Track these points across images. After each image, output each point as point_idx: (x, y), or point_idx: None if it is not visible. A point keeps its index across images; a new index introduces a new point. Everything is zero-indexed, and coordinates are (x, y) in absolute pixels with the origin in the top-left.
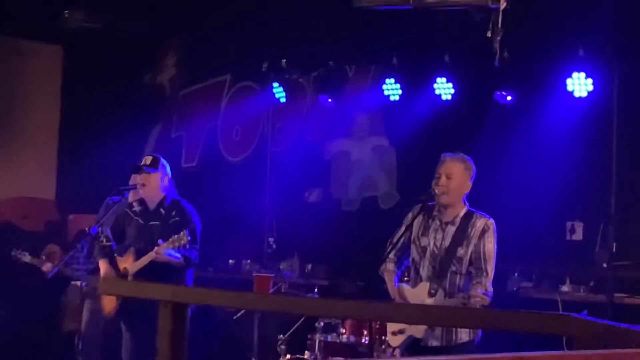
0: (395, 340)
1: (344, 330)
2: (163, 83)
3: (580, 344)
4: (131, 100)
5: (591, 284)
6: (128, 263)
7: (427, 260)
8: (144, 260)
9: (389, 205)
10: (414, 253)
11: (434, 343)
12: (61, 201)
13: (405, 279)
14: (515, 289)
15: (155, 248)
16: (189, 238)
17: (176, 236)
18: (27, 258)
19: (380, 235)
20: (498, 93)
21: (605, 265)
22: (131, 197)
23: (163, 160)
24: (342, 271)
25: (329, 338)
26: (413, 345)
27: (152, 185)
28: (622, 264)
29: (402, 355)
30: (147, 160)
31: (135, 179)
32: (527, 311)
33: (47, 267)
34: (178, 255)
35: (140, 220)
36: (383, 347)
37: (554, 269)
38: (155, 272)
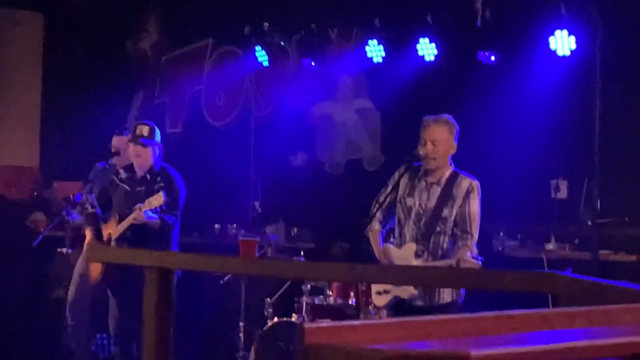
0: (380, 300)
1: (330, 293)
2: (145, 49)
3: (566, 301)
4: (113, 66)
5: (576, 241)
6: (112, 229)
7: (412, 220)
8: (125, 224)
9: (374, 168)
10: (399, 213)
11: (419, 303)
12: (45, 169)
13: (391, 240)
14: (500, 248)
15: (135, 211)
16: (165, 199)
17: (152, 197)
18: None
19: (366, 197)
20: (481, 53)
21: (589, 222)
22: (116, 162)
23: (157, 131)
24: (327, 234)
25: (316, 301)
26: (398, 306)
27: (146, 158)
28: (607, 221)
29: (387, 315)
30: (144, 131)
31: (121, 141)
32: (512, 270)
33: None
34: (155, 216)
35: (127, 187)
36: (369, 308)
37: (539, 227)
38: (138, 237)
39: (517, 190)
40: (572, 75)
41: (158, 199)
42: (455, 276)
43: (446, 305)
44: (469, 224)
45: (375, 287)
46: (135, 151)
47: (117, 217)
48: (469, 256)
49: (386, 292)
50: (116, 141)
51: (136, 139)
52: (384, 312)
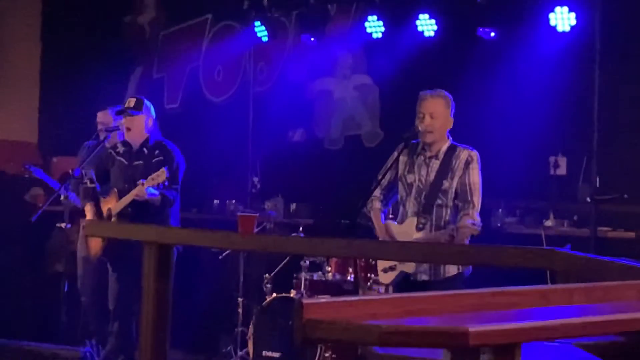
0: (386, 278)
1: (329, 269)
2: (143, 24)
3: (564, 277)
4: (112, 42)
5: (575, 218)
6: (111, 204)
7: (413, 196)
8: (126, 199)
9: (373, 144)
10: (401, 191)
11: (424, 277)
12: (44, 144)
13: (390, 216)
14: (499, 224)
15: (137, 187)
16: (167, 175)
17: (155, 174)
18: None
19: (364, 173)
20: (481, 29)
21: (588, 199)
22: (112, 139)
23: (147, 102)
24: (326, 210)
25: (315, 276)
26: (404, 281)
27: (136, 128)
28: (605, 198)
29: (394, 292)
30: (131, 102)
31: (104, 116)
32: (510, 246)
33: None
34: (156, 192)
35: (124, 161)
36: (368, 284)
37: (538, 204)
38: (138, 212)
39: (516, 166)
40: (572, 51)
41: (161, 176)
42: (454, 252)
43: (451, 278)
44: (469, 194)
45: (380, 265)
46: (125, 122)
47: (117, 191)
48: (468, 223)
49: (392, 268)
50: (100, 116)
51: (124, 110)
52: (391, 289)
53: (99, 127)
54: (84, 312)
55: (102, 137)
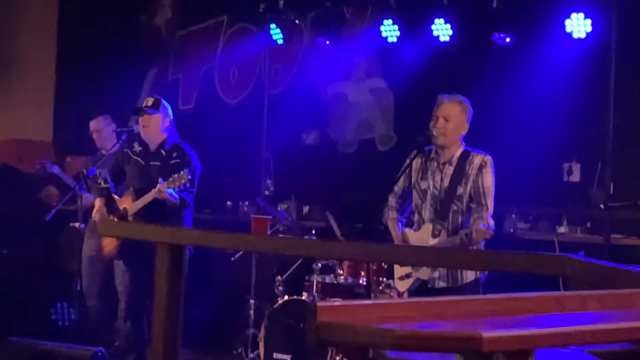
0: (402, 285)
1: (341, 272)
2: (159, 25)
3: (577, 284)
4: (127, 42)
5: (588, 224)
6: (127, 203)
7: (429, 202)
8: (145, 199)
9: (386, 147)
10: (415, 198)
11: (441, 284)
12: (58, 143)
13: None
14: (512, 230)
15: (158, 186)
16: (189, 177)
17: (176, 175)
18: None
19: (377, 176)
20: (496, 35)
21: (602, 206)
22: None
23: (164, 102)
24: (339, 213)
25: (327, 279)
26: (421, 289)
27: (153, 127)
28: (619, 204)
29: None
30: (149, 101)
31: (96, 124)
32: (523, 252)
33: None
34: (176, 195)
35: (141, 161)
36: (380, 287)
37: (551, 210)
38: (154, 212)
39: (529, 172)
40: (587, 58)
41: (182, 178)
42: (466, 256)
43: (469, 284)
44: (483, 197)
45: (397, 272)
46: (142, 121)
47: (132, 191)
48: (481, 227)
49: (408, 276)
50: (93, 125)
51: (141, 109)
52: (406, 295)
53: (94, 135)
54: (92, 315)
55: (116, 139)
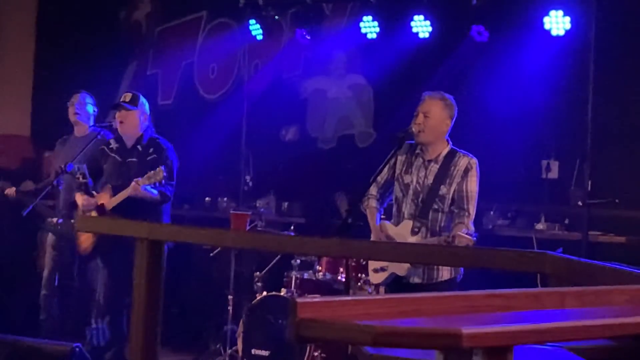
0: (376, 278)
1: (320, 268)
2: (139, 20)
3: (556, 280)
4: (106, 37)
5: (566, 221)
6: (105, 200)
7: (410, 197)
8: (121, 196)
9: (366, 144)
10: (397, 190)
11: (416, 280)
12: (36, 138)
13: (382, 216)
14: (491, 226)
15: (133, 184)
16: (164, 174)
17: (152, 172)
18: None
19: (357, 173)
20: (475, 31)
21: (580, 203)
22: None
23: (142, 98)
24: (318, 209)
25: (305, 275)
26: (395, 283)
27: (130, 123)
28: (597, 202)
29: (385, 293)
30: (127, 97)
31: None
32: (502, 249)
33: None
34: (154, 191)
35: (118, 157)
36: (359, 284)
37: (530, 207)
38: (132, 208)
39: (508, 169)
40: (566, 55)
41: (158, 175)
42: (446, 253)
43: (444, 282)
44: (466, 202)
45: (371, 265)
46: (119, 116)
47: (110, 187)
48: (464, 233)
49: (383, 269)
50: (74, 97)
51: (119, 105)
52: (382, 290)
53: (69, 109)
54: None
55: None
